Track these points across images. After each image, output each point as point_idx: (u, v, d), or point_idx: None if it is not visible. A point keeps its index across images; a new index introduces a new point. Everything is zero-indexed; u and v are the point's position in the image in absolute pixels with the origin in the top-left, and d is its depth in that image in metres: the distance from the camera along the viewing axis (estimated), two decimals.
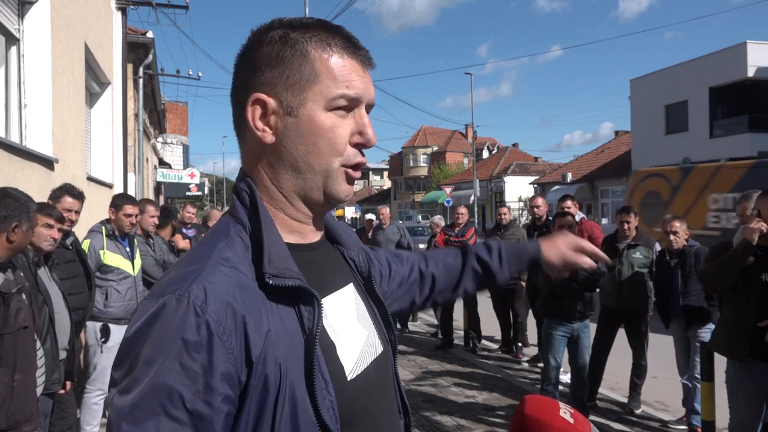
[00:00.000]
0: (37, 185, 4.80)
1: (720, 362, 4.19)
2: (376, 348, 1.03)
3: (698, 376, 5.06)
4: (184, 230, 7.43)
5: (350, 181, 0.97)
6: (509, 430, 1.16)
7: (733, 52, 24.58)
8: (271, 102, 0.92)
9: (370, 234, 9.25)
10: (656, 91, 28.23)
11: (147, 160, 16.00)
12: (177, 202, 24.07)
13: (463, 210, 8.30)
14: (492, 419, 5.26)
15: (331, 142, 0.93)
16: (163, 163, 23.95)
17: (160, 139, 23.35)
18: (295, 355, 0.84)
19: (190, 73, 17.62)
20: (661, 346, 5.39)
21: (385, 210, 9.62)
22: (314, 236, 1.01)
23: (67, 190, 3.94)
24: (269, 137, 0.93)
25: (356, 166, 0.96)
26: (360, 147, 0.96)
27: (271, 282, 0.85)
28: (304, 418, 0.83)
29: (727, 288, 3.50)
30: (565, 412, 1.12)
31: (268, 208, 0.95)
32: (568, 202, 6.76)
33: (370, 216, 9.70)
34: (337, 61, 0.93)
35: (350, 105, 0.94)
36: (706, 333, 4.86)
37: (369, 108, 0.99)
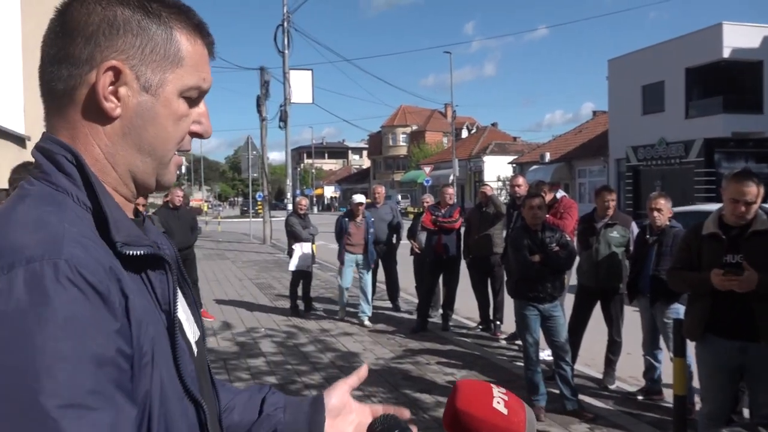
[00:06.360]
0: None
1: None
2: (195, 331, 0.98)
3: (659, 351, 5.22)
4: None
5: (177, 168, 0.94)
6: (443, 417, 1.08)
7: (709, 33, 24.80)
8: (128, 74, 0.83)
9: (359, 218, 8.36)
10: (633, 71, 28.42)
11: None
12: None
13: (451, 191, 8.30)
14: None
15: (179, 130, 0.89)
16: None
17: None
18: (157, 324, 0.80)
19: None
20: (637, 324, 5.49)
21: (381, 189, 9.42)
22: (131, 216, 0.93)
23: None
24: (117, 111, 0.84)
25: (182, 153, 0.93)
26: (197, 136, 0.93)
27: (125, 251, 0.78)
28: (173, 389, 0.80)
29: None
30: (499, 401, 1.02)
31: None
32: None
33: (359, 198, 8.57)
34: (198, 50, 0.89)
35: (198, 97, 0.91)
36: (671, 312, 4.91)
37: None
